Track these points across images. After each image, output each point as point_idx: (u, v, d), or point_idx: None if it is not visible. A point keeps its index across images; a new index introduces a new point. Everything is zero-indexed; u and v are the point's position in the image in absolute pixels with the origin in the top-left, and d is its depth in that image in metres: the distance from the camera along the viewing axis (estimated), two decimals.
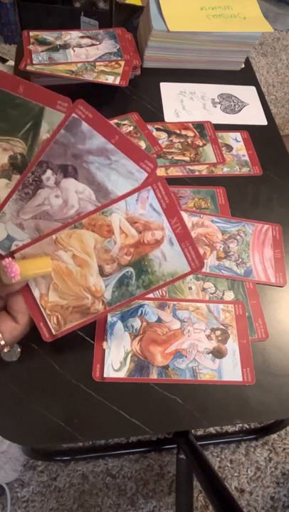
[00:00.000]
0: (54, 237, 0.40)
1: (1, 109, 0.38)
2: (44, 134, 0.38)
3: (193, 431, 0.87)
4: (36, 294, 0.40)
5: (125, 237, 0.39)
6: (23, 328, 0.40)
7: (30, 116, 0.38)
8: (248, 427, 1.01)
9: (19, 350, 0.43)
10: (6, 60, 1.59)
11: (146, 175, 0.38)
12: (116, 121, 0.70)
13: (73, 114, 0.37)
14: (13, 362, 0.43)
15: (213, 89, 0.78)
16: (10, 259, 0.36)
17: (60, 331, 0.41)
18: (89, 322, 0.41)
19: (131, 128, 0.69)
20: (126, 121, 0.70)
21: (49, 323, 0.41)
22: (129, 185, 0.38)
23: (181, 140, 0.69)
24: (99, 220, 0.39)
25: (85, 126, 0.37)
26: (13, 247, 0.40)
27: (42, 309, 0.41)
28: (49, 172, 0.39)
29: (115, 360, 0.48)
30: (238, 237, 0.59)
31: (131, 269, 0.40)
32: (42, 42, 0.72)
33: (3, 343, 0.39)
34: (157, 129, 0.70)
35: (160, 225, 0.39)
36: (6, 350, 0.40)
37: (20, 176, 0.39)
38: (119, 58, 0.72)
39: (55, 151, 0.38)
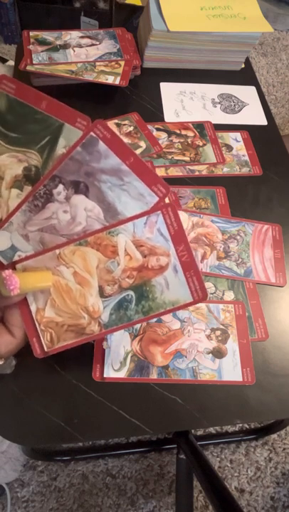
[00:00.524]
0: (57, 252, 0.39)
1: (22, 122, 0.39)
2: (60, 149, 0.38)
3: (193, 431, 0.87)
4: (33, 308, 0.40)
5: (129, 260, 0.39)
6: (19, 342, 0.39)
7: (48, 131, 0.38)
8: (248, 427, 1.01)
9: (14, 363, 0.43)
10: (6, 60, 1.59)
11: (157, 199, 0.38)
12: (116, 121, 0.70)
13: (91, 133, 0.37)
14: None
15: (213, 89, 0.78)
16: (10, 271, 0.35)
17: (52, 348, 0.40)
18: (82, 343, 0.40)
19: (131, 128, 0.69)
20: (126, 121, 0.70)
21: (42, 340, 0.40)
22: (138, 207, 0.38)
23: (181, 140, 0.69)
24: (104, 240, 0.39)
25: (101, 145, 0.37)
26: (16, 258, 0.40)
27: (37, 324, 0.40)
28: (61, 187, 0.39)
29: (115, 360, 0.48)
30: (238, 237, 0.59)
31: (132, 293, 0.39)
32: (42, 42, 0.72)
33: None
34: (157, 129, 0.70)
35: (166, 251, 0.38)
36: (0, 363, 0.39)
37: (32, 187, 0.39)
38: (119, 58, 0.72)
39: (69, 167, 0.38)
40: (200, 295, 0.38)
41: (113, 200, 0.38)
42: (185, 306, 0.38)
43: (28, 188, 0.39)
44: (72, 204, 0.39)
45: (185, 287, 0.38)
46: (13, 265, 0.40)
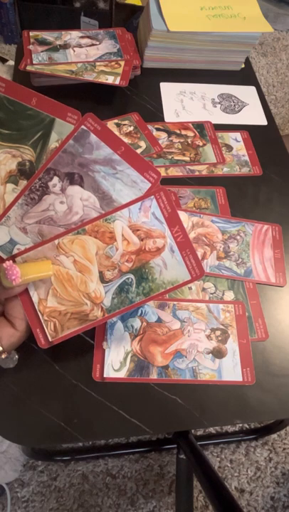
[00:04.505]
0: (56, 242, 0.40)
1: (14, 119, 0.40)
2: (53, 143, 0.39)
3: (193, 431, 0.87)
4: (35, 298, 0.40)
5: (127, 244, 0.40)
6: (22, 334, 0.40)
7: (40, 126, 0.40)
8: (248, 427, 1.01)
9: (17, 357, 0.43)
10: (6, 60, 1.59)
11: (149, 185, 0.39)
12: (116, 121, 0.70)
13: (82, 126, 0.38)
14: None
15: (213, 89, 0.78)
16: (10, 262, 0.36)
17: (56, 337, 0.41)
18: (86, 329, 0.40)
19: (131, 128, 0.69)
20: (126, 122, 0.70)
21: (46, 330, 0.41)
22: (132, 194, 0.40)
23: (181, 140, 0.69)
24: (102, 227, 0.40)
25: (93, 137, 0.39)
26: (15, 251, 0.40)
27: (40, 315, 0.40)
28: (56, 179, 0.40)
29: (115, 360, 0.48)
30: (238, 237, 0.59)
31: (131, 276, 0.40)
32: (42, 42, 0.72)
33: (0, 349, 0.38)
34: (157, 129, 0.70)
35: (162, 233, 0.39)
36: (3, 356, 0.39)
37: (28, 181, 0.40)
38: (119, 58, 0.72)
39: (62, 160, 0.39)
40: (197, 272, 0.39)
41: (108, 189, 0.40)
42: (184, 284, 0.40)
43: (23, 183, 0.40)
44: (68, 195, 0.40)
45: (182, 266, 0.39)
46: (12, 258, 0.40)
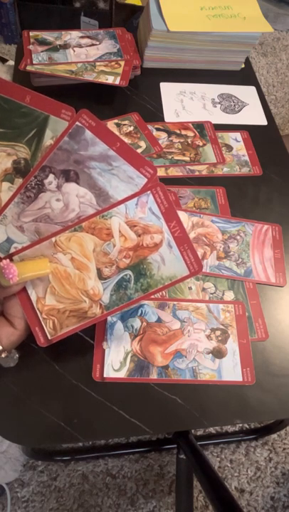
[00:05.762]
0: (53, 240, 0.40)
1: (8, 117, 0.40)
2: (48, 140, 0.39)
3: (193, 431, 0.87)
4: (33, 297, 0.40)
5: (124, 241, 0.40)
6: (21, 333, 0.40)
7: (35, 124, 0.39)
8: (248, 427, 1.01)
9: (17, 356, 0.43)
10: (6, 60, 1.59)
11: (146, 180, 0.39)
12: (116, 121, 0.70)
13: (77, 123, 0.38)
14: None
15: (213, 89, 0.78)
16: (8, 260, 0.36)
17: (55, 335, 0.41)
18: (85, 327, 0.40)
19: (131, 128, 0.69)
20: (126, 122, 0.70)
21: (45, 328, 0.40)
22: (129, 190, 0.39)
23: (181, 140, 0.69)
24: (99, 224, 0.39)
25: (88, 133, 0.39)
26: (12, 250, 0.40)
27: (38, 313, 0.40)
28: (51, 176, 0.40)
29: (115, 360, 0.48)
30: (238, 237, 0.59)
31: (129, 273, 0.40)
32: (42, 42, 0.72)
33: (0, 348, 0.38)
34: (157, 129, 0.70)
35: (159, 228, 0.39)
36: (3, 355, 0.39)
37: (23, 179, 0.40)
38: (119, 58, 0.72)
39: (58, 157, 0.39)
40: (195, 267, 0.39)
41: (104, 185, 0.39)
42: (182, 280, 0.39)
43: (19, 181, 0.40)
44: (64, 192, 0.40)
45: (181, 261, 0.39)
46: (10, 257, 0.40)
